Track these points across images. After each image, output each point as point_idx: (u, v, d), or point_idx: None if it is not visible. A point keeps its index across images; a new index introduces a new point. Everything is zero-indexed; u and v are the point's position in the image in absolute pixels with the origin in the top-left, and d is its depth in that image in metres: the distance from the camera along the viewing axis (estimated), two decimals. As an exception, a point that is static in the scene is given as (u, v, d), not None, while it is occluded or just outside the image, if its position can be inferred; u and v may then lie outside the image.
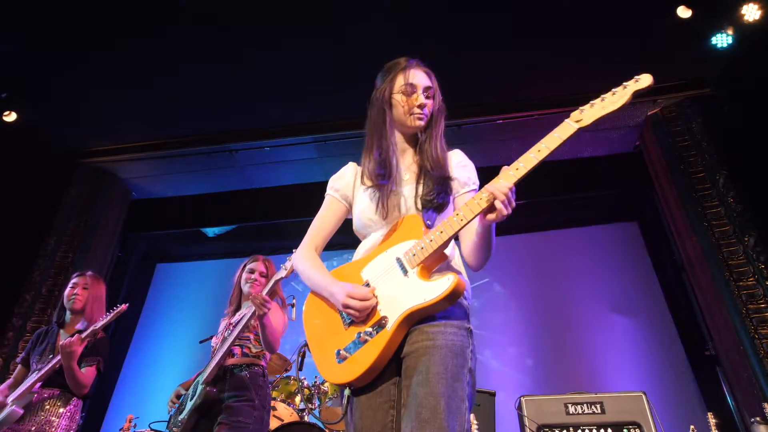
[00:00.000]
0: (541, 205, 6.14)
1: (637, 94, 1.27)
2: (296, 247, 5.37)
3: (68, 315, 2.75)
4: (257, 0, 4.39)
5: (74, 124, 5.46)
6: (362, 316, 1.30)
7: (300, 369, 3.38)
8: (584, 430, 2.57)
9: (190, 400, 2.23)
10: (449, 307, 1.27)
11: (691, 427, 2.83)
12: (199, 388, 2.21)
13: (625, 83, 1.26)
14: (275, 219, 6.42)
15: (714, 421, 2.85)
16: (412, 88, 1.52)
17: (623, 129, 5.65)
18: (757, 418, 2.93)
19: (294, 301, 3.94)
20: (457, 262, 1.43)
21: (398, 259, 1.34)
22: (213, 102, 5.26)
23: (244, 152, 5.74)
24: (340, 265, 1.48)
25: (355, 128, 5.46)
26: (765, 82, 4.38)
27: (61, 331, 2.73)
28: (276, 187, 6.29)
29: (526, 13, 4.50)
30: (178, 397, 2.34)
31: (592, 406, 2.62)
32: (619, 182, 5.94)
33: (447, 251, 1.35)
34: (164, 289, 6.35)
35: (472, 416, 2.79)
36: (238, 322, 2.37)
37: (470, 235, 1.36)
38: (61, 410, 2.43)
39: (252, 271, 2.58)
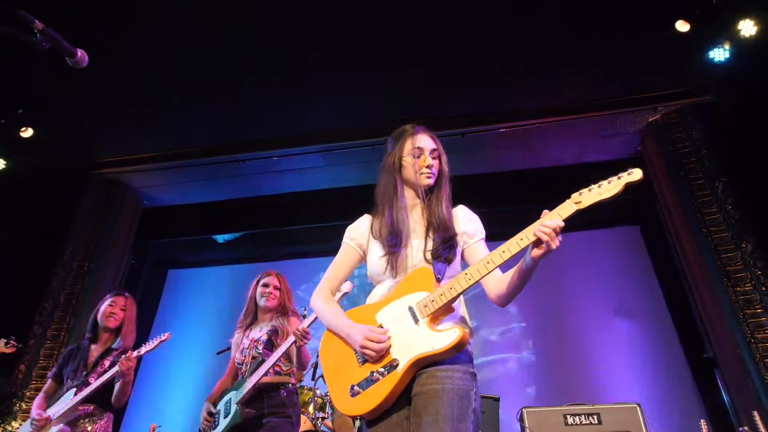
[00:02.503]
0: (541, 210, 6.25)
1: (629, 185, 1.42)
2: (302, 253, 5.51)
3: (101, 332, 2.85)
4: (264, 13, 4.50)
5: (87, 137, 5.61)
6: (377, 356, 1.44)
7: (312, 379, 3.53)
8: (582, 439, 2.72)
9: (224, 418, 2.38)
10: (456, 353, 1.42)
11: (685, 434, 2.97)
12: (234, 408, 2.36)
13: (620, 174, 1.42)
14: (283, 226, 6.58)
15: (706, 428, 2.98)
16: (420, 151, 1.67)
17: (625, 135, 5.76)
18: (745, 427, 3.05)
19: (306, 311, 4.11)
20: (462, 311, 1.57)
21: (410, 308, 1.49)
22: (221, 113, 5.40)
23: (252, 162, 5.88)
24: (353, 307, 1.62)
25: (360, 138, 5.65)
26: (763, 93, 4.47)
27: (93, 346, 2.84)
28: (283, 194, 6.43)
29: (528, 25, 4.60)
30: (210, 414, 2.49)
31: (590, 417, 2.77)
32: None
33: (454, 304, 1.49)
34: (176, 295, 6.53)
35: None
36: (266, 341, 2.52)
37: (497, 280, 1.49)
38: (98, 425, 2.58)
39: (266, 285, 2.73)
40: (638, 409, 2.76)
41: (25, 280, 5.45)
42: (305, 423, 3.34)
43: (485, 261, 1.44)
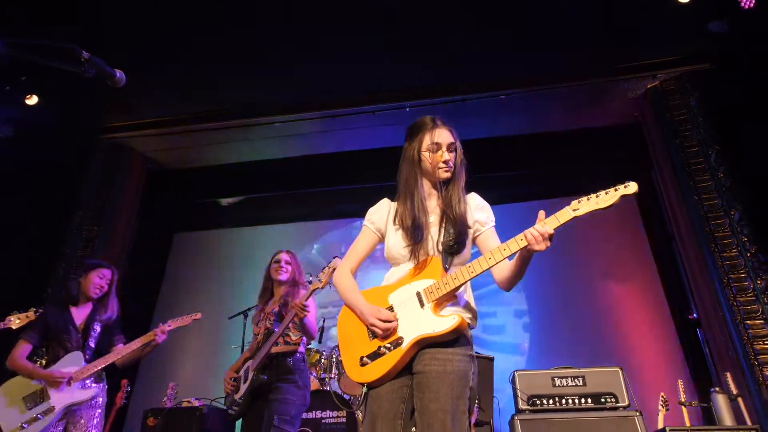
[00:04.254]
0: (540, 173, 6.39)
1: (624, 197, 1.55)
2: (307, 216, 5.66)
3: (82, 298, 2.96)
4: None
5: (92, 103, 5.65)
6: (384, 334, 1.64)
7: (320, 342, 3.78)
8: (568, 399, 2.97)
9: (243, 383, 2.64)
10: (455, 337, 1.61)
11: (662, 394, 3.23)
12: (251, 374, 2.61)
13: (616, 186, 1.56)
14: (286, 189, 6.72)
15: (683, 387, 3.24)
16: (438, 146, 1.79)
17: (624, 101, 5.80)
18: (716, 388, 3.30)
19: (311, 278, 4.32)
20: (467, 296, 1.75)
21: (418, 293, 1.67)
22: (225, 79, 5.43)
23: (256, 127, 5.95)
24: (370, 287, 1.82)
25: (361, 104, 5.71)
26: (761, 65, 4.51)
27: (74, 310, 2.94)
28: (287, 159, 6.54)
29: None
30: (233, 380, 2.73)
31: (575, 380, 3.02)
32: (617, 152, 6.13)
33: (458, 292, 1.67)
34: (183, 258, 6.73)
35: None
36: (277, 314, 2.73)
37: (501, 268, 1.67)
38: (100, 385, 2.82)
39: (278, 261, 2.92)
40: (620, 372, 3.01)
41: (37, 244, 5.63)
42: (312, 382, 3.61)
43: (487, 256, 1.61)
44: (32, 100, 5.22)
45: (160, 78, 5.35)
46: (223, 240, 6.83)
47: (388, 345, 1.64)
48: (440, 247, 1.72)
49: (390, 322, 1.64)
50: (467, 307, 1.73)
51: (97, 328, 2.89)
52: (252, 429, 2.54)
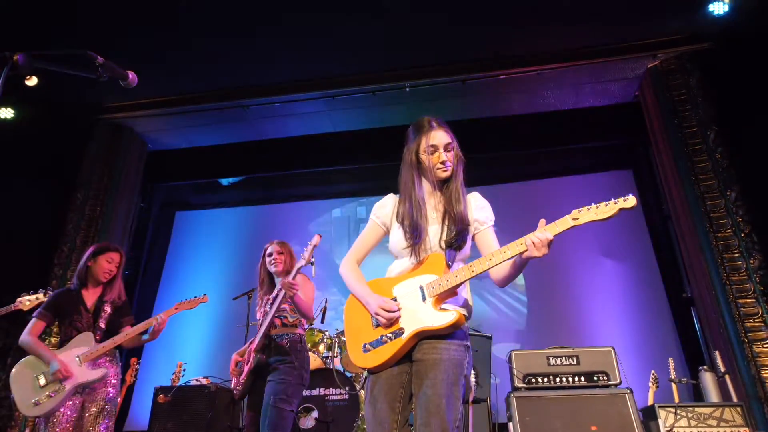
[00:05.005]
0: (540, 153, 6.42)
1: (623, 210, 1.59)
2: (306, 196, 5.72)
3: (91, 281, 3.00)
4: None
5: (91, 83, 5.63)
6: (387, 323, 1.73)
7: (322, 322, 3.88)
8: (562, 378, 3.09)
9: (246, 365, 2.75)
10: (452, 331, 1.70)
11: (653, 372, 3.34)
12: (252, 355, 2.71)
13: (615, 199, 1.60)
14: (285, 169, 6.76)
15: (673, 366, 3.35)
16: (434, 149, 1.85)
17: (624, 80, 5.80)
18: (705, 367, 3.42)
19: (313, 260, 4.40)
20: (466, 293, 1.82)
21: (421, 287, 1.75)
22: (225, 58, 5.41)
23: (255, 107, 5.96)
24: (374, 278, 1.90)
25: (361, 84, 5.70)
26: (759, 45, 4.51)
27: (84, 292, 2.99)
28: (286, 139, 6.55)
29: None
30: (237, 364, 2.84)
31: (569, 359, 3.13)
32: (617, 131, 6.16)
33: (458, 289, 1.75)
34: (185, 236, 6.81)
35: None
36: (275, 297, 2.81)
37: (503, 265, 1.74)
38: (113, 364, 2.88)
39: (270, 255, 2.99)
40: (612, 351, 3.12)
41: (41, 224, 5.70)
42: (315, 361, 3.73)
43: (488, 257, 1.68)
44: (32, 81, 5.21)
45: (159, 58, 5.34)
46: (225, 219, 6.90)
47: (390, 334, 1.73)
48: (443, 244, 1.79)
49: (393, 312, 1.72)
50: (465, 304, 1.81)
51: (107, 309, 2.95)
52: (253, 406, 2.67)
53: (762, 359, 4.27)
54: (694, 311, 5.20)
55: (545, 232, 1.60)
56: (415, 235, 1.79)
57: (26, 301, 3.12)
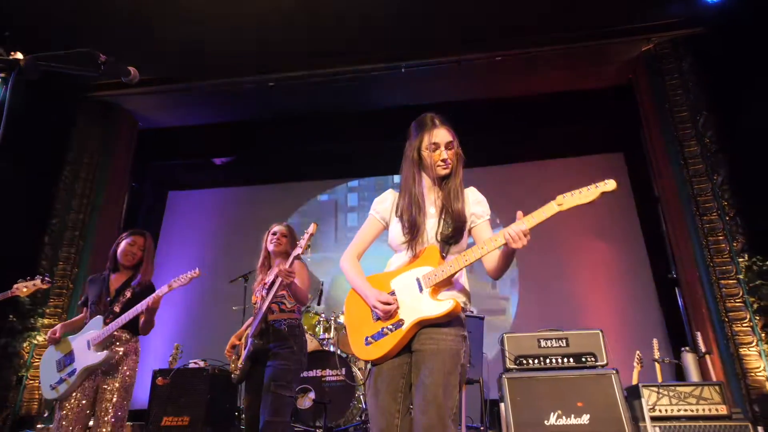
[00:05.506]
0: (533, 135, 6.46)
1: (605, 194, 1.65)
2: (300, 176, 5.71)
3: (120, 266, 3.05)
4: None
5: (80, 61, 5.53)
6: (386, 316, 1.80)
7: (318, 304, 3.96)
8: (552, 359, 3.21)
9: (244, 350, 2.81)
10: (450, 319, 1.77)
11: (637, 352, 3.48)
12: (249, 340, 2.77)
13: (596, 184, 1.65)
14: (279, 148, 6.74)
15: (657, 346, 3.49)
16: (436, 146, 1.89)
17: (618, 63, 5.81)
18: (687, 347, 3.56)
19: (309, 248, 4.45)
20: (463, 280, 1.89)
21: (418, 279, 1.82)
22: (212, 37, 5.32)
23: (249, 86, 5.90)
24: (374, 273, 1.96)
25: (356, 64, 5.66)
26: (752, 32, 4.54)
27: (113, 276, 3.05)
28: (280, 118, 6.52)
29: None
30: (233, 347, 2.89)
31: (559, 341, 3.24)
32: (610, 114, 6.20)
33: (454, 277, 1.81)
34: (178, 215, 6.80)
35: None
36: (271, 282, 2.86)
37: (492, 257, 1.81)
38: (127, 346, 2.88)
39: (275, 234, 3.02)
40: (600, 334, 3.24)
41: (29, 203, 5.65)
42: (312, 342, 3.82)
43: (480, 246, 1.75)
44: (17, 56, 5.09)
45: (148, 36, 5.24)
46: (218, 199, 6.90)
47: (390, 326, 1.80)
48: (439, 237, 1.85)
49: (390, 304, 1.79)
50: (462, 290, 1.87)
51: (128, 294, 2.95)
52: (252, 392, 2.73)
53: (741, 338, 4.45)
54: (678, 292, 5.35)
55: (520, 224, 1.66)
56: (413, 230, 1.85)
57: (23, 288, 3.14)
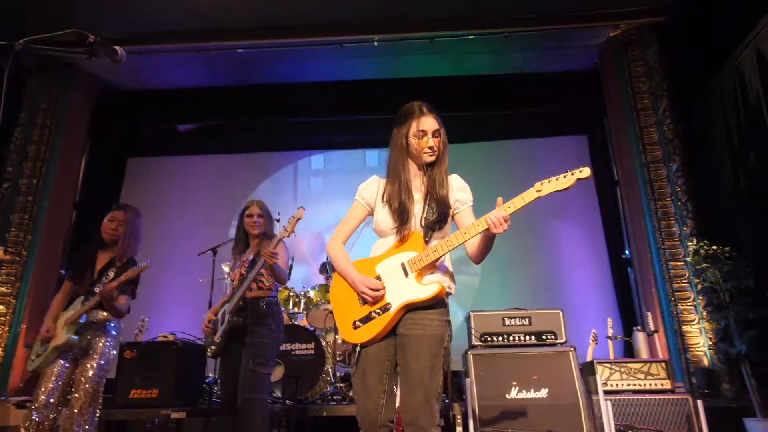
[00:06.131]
0: (500, 115, 6.55)
1: (580, 180, 1.73)
2: (268, 147, 5.65)
3: (106, 243, 2.97)
4: None
5: (34, 12, 5.19)
6: (373, 301, 1.85)
7: (288, 278, 3.97)
8: (515, 337, 3.38)
9: (221, 325, 2.82)
10: (435, 302, 1.85)
11: (593, 330, 3.70)
12: (227, 317, 2.78)
13: (572, 171, 1.73)
14: (245, 118, 6.58)
15: (611, 325, 3.72)
16: (423, 133, 1.93)
17: (586, 48, 5.93)
18: (638, 327, 3.81)
19: (279, 216, 4.43)
20: (447, 263, 1.95)
21: (403, 264, 1.88)
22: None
23: (216, 52, 5.70)
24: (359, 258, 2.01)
25: (331, 35, 5.55)
26: (713, 22, 4.71)
27: (100, 253, 2.97)
28: (247, 86, 6.35)
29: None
30: (211, 322, 2.89)
31: (522, 320, 3.41)
32: (576, 97, 6.34)
33: (438, 261, 1.87)
34: (138, 183, 6.58)
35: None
36: (251, 261, 2.87)
37: (473, 242, 1.87)
38: (105, 331, 2.83)
39: (251, 216, 3.01)
40: (561, 313, 3.42)
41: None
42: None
43: (463, 231, 1.82)
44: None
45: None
46: (181, 167, 6.70)
47: (378, 310, 1.86)
48: (423, 223, 1.91)
49: (378, 290, 1.84)
50: (446, 273, 1.95)
51: (110, 273, 2.87)
52: (228, 367, 2.76)
53: (684, 316, 4.78)
54: (630, 272, 5.65)
55: (500, 211, 1.74)
56: (402, 217, 1.90)
57: (-18, 258, 3.03)
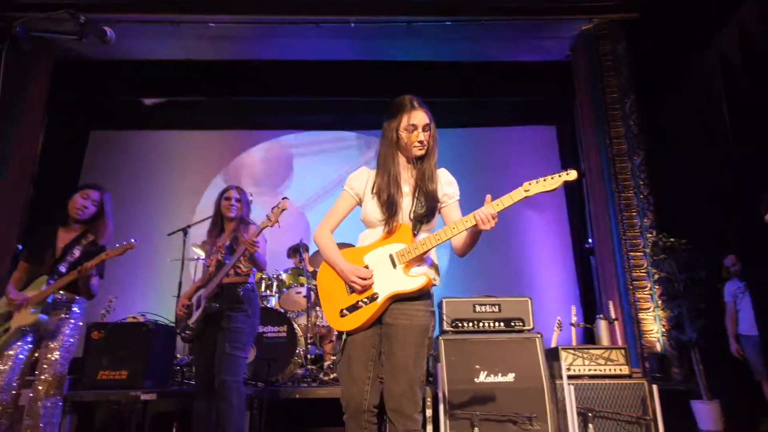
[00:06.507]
0: (474, 102, 6.62)
1: (566, 182, 1.79)
2: (240, 125, 5.55)
3: (71, 220, 2.86)
4: None
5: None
6: (362, 290, 1.89)
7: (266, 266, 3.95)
8: (485, 323, 3.48)
9: (196, 310, 2.80)
10: (421, 294, 1.90)
11: (558, 318, 3.85)
12: (203, 302, 2.76)
13: (560, 173, 1.78)
14: (214, 94, 6.40)
15: (575, 312, 3.88)
16: (414, 127, 1.95)
17: (559, 39, 6.03)
18: (601, 315, 3.99)
19: (251, 198, 4.37)
20: (433, 256, 1.99)
21: (391, 256, 1.91)
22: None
23: (187, 25, 5.51)
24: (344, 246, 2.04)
25: (300, 13, 5.44)
26: (679, 20, 4.87)
27: (61, 232, 2.87)
28: (218, 61, 6.18)
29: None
30: (186, 306, 2.86)
31: (493, 307, 3.51)
32: (547, 88, 6.45)
33: (424, 255, 1.92)
34: (101, 157, 6.35)
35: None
36: (228, 246, 2.84)
37: (460, 237, 1.92)
38: (72, 311, 2.77)
39: (228, 199, 2.97)
40: (529, 301, 3.54)
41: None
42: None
43: (452, 226, 1.86)
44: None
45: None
46: (148, 142, 6.51)
47: (365, 299, 1.89)
48: (412, 216, 1.94)
49: (367, 279, 1.88)
50: (432, 266, 1.99)
51: (76, 252, 2.79)
52: (202, 352, 2.75)
53: (641, 304, 5.03)
54: (593, 261, 5.87)
55: (489, 208, 1.79)
56: (391, 209, 1.93)
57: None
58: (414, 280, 1.87)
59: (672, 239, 4.73)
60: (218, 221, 3.00)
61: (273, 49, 6.00)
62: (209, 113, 6.65)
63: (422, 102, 2.00)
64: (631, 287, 5.11)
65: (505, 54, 6.22)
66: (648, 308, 4.98)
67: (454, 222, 1.89)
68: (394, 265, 1.89)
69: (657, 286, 4.99)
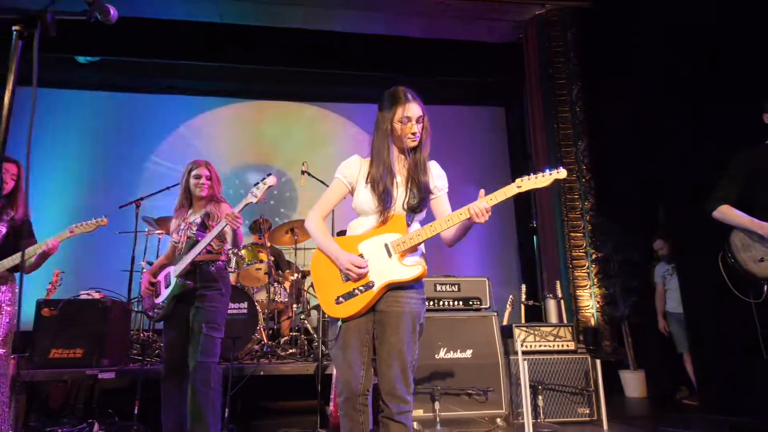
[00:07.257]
0: (422, 80, 6.64)
1: (557, 181, 1.90)
2: (181, 89, 5.32)
3: None
4: None
5: None
6: (357, 278, 1.93)
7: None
8: (445, 302, 3.63)
9: (166, 288, 2.69)
10: (415, 283, 1.97)
11: (510, 297, 4.08)
12: (174, 280, 2.66)
13: (551, 171, 1.88)
14: (158, 56, 6.01)
15: (525, 291, 4.13)
16: (408, 120, 1.97)
17: (513, 22, 6.16)
18: (549, 294, 4.28)
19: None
20: (422, 247, 2.05)
21: (386, 245, 1.95)
22: None
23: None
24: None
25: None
26: (628, 12, 5.11)
27: None
28: (163, 21, 5.78)
29: None
30: (152, 284, 2.75)
31: (452, 286, 3.67)
32: (499, 69, 6.60)
33: (417, 246, 1.98)
34: (27, 118, 5.83)
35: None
36: (201, 224, 2.74)
37: (451, 229, 1.99)
38: (6, 287, 2.65)
39: (198, 177, 2.84)
40: (486, 281, 3.73)
41: None
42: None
43: (447, 218, 1.92)
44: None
45: None
46: (81, 103, 6.05)
47: (361, 287, 1.94)
48: (405, 207, 1.99)
49: (363, 268, 1.92)
50: (423, 256, 2.07)
51: (3, 229, 2.61)
52: (174, 330, 2.67)
53: (579, 281, 5.42)
54: (536, 240, 6.20)
55: (483, 202, 1.89)
56: (387, 200, 1.96)
57: None
58: (410, 269, 1.93)
59: (610, 222, 5.12)
60: (186, 198, 2.88)
61: (219, 11, 5.70)
62: (152, 76, 6.26)
63: (416, 95, 2.03)
64: (570, 266, 5.48)
65: (460, 33, 6.27)
66: (585, 285, 5.37)
67: (449, 215, 1.95)
68: (390, 255, 1.94)
69: (594, 266, 5.38)
